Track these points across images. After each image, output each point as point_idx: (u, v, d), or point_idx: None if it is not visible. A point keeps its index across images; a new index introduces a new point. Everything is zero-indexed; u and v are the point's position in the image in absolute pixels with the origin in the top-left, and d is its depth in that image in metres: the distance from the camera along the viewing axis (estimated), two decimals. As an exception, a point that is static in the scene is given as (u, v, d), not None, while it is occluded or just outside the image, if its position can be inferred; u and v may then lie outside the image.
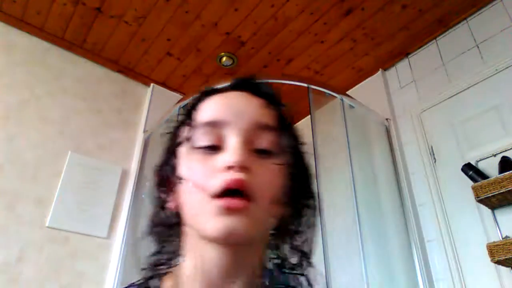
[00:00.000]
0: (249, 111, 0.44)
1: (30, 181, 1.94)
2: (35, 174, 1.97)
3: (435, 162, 1.99)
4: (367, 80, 2.53)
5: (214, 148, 0.42)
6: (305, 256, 0.47)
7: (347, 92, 2.33)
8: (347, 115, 2.10)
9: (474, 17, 2.06)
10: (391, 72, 2.43)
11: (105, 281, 1.97)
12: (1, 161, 1.90)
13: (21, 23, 2.18)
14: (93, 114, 2.31)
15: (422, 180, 2.01)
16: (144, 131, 2.41)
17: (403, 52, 2.35)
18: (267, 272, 0.45)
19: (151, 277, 0.46)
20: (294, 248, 0.47)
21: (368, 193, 2.05)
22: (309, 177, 0.50)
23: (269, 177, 0.42)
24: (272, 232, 0.47)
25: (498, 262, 1.51)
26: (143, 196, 2.10)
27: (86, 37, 2.29)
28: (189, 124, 0.44)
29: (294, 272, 0.47)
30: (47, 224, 1.90)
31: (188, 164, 0.43)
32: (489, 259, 1.51)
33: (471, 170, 1.73)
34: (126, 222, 2.09)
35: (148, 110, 2.49)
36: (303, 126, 2.88)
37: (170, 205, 0.46)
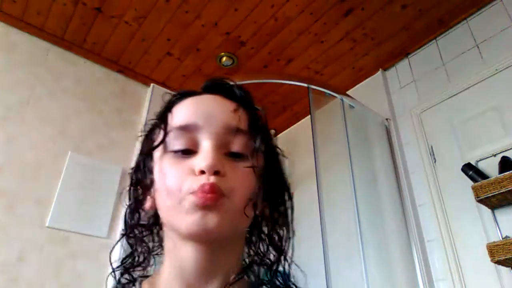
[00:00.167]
0: (220, 115, 0.45)
1: (30, 181, 1.94)
2: (35, 174, 1.97)
3: (435, 162, 1.99)
4: (367, 80, 2.53)
5: (188, 152, 0.43)
6: (282, 253, 0.48)
7: (347, 92, 2.33)
8: (347, 115, 2.10)
9: (474, 17, 2.06)
10: (391, 72, 2.43)
11: (105, 281, 1.97)
12: (1, 161, 1.90)
13: (21, 23, 2.18)
14: (93, 114, 2.31)
15: (422, 180, 2.01)
16: (144, 131, 2.40)
17: (403, 52, 2.35)
18: (245, 271, 0.46)
19: (128, 281, 0.46)
20: (271, 246, 0.48)
21: (368, 193, 2.05)
22: (283, 178, 0.51)
23: (242, 180, 0.42)
24: (248, 230, 0.49)
25: (498, 262, 1.51)
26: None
27: (86, 37, 2.29)
28: (163, 128, 0.45)
29: (272, 269, 0.48)
30: (47, 224, 1.91)
31: (163, 167, 0.43)
32: (489, 259, 1.51)
33: (471, 170, 1.73)
34: (126, 222, 2.09)
35: (148, 110, 2.49)
36: (303, 126, 2.89)
37: (146, 205, 0.46)
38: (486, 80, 1.89)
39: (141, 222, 0.48)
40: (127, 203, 0.48)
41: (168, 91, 0.50)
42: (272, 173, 0.48)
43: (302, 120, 2.93)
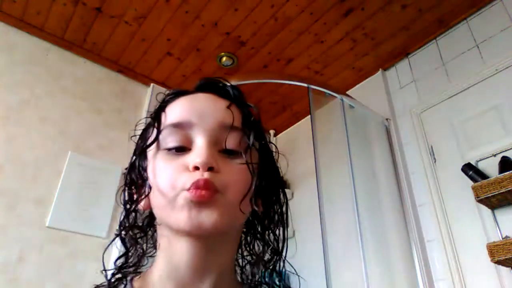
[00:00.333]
0: (214, 112, 0.45)
1: (30, 181, 1.94)
2: (35, 174, 1.97)
3: (435, 162, 1.99)
4: (367, 80, 2.53)
5: (182, 149, 0.43)
6: (277, 252, 0.49)
7: (347, 92, 2.33)
8: (347, 115, 2.10)
9: (474, 17, 2.06)
10: (391, 72, 2.43)
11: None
12: (1, 161, 1.90)
13: (21, 23, 2.18)
14: (93, 114, 2.31)
15: (422, 180, 2.01)
16: (144, 131, 2.40)
17: (403, 52, 2.35)
18: (239, 269, 0.46)
19: (119, 279, 0.46)
20: (266, 245, 0.49)
21: (368, 193, 2.05)
22: (277, 174, 0.51)
23: (236, 177, 0.43)
24: (243, 229, 0.49)
25: (498, 262, 1.51)
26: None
27: (86, 37, 2.29)
28: (156, 127, 0.45)
29: (267, 268, 0.48)
30: (47, 224, 1.91)
31: (156, 165, 0.43)
32: (489, 259, 1.51)
33: (471, 170, 1.73)
34: (126, 222, 2.09)
35: (148, 110, 2.49)
36: (303, 126, 2.89)
37: (142, 205, 0.46)
38: (486, 80, 1.89)
39: (137, 224, 0.49)
40: (122, 204, 0.48)
41: (168, 91, 0.50)
42: (266, 169, 0.48)
43: (302, 120, 2.93)
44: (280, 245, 0.49)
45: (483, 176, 1.69)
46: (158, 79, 2.60)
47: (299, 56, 2.39)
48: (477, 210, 1.73)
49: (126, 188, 0.48)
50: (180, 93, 0.49)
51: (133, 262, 0.48)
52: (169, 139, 0.44)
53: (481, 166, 1.76)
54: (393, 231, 1.98)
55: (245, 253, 0.49)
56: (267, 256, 0.48)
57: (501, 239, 1.57)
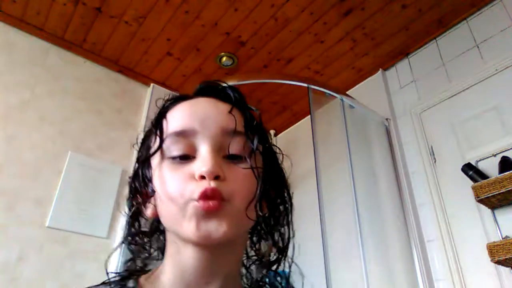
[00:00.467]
0: (216, 118, 0.45)
1: (30, 181, 1.94)
2: (35, 174, 1.97)
3: (435, 162, 1.99)
4: (367, 80, 2.53)
5: (187, 157, 0.43)
6: (282, 253, 0.49)
7: (347, 92, 2.33)
8: (347, 115, 2.10)
9: (474, 17, 2.06)
10: (391, 72, 2.43)
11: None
12: (1, 161, 1.89)
13: (21, 23, 2.18)
14: (93, 114, 2.31)
15: (422, 180, 2.01)
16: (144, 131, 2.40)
17: (403, 52, 2.35)
18: (245, 270, 0.46)
19: (127, 277, 0.46)
20: (273, 246, 0.49)
21: (368, 193, 2.05)
22: (282, 177, 0.51)
23: (241, 182, 0.42)
24: (249, 231, 0.49)
25: (498, 262, 1.51)
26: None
27: (86, 37, 2.29)
28: (158, 135, 0.44)
29: (273, 270, 0.48)
30: (47, 224, 1.90)
31: (162, 174, 0.43)
32: (489, 259, 1.51)
33: (471, 170, 1.73)
34: (126, 222, 2.09)
35: (148, 110, 2.49)
36: (303, 126, 2.89)
37: (147, 213, 0.46)
38: (486, 80, 1.89)
39: (142, 230, 0.49)
40: (127, 212, 0.48)
41: (168, 95, 0.50)
42: (271, 172, 0.48)
43: (302, 120, 2.93)
44: (287, 246, 0.49)
45: (483, 176, 1.69)
46: (158, 79, 2.60)
47: (299, 56, 2.39)
48: (477, 210, 1.73)
49: (131, 197, 0.48)
50: (180, 98, 0.48)
51: (139, 267, 0.48)
52: (173, 148, 0.43)
53: (481, 166, 1.76)
54: (393, 231, 1.98)
55: (250, 254, 0.49)
56: (272, 257, 0.48)
57: (501, 239, 1.57)
